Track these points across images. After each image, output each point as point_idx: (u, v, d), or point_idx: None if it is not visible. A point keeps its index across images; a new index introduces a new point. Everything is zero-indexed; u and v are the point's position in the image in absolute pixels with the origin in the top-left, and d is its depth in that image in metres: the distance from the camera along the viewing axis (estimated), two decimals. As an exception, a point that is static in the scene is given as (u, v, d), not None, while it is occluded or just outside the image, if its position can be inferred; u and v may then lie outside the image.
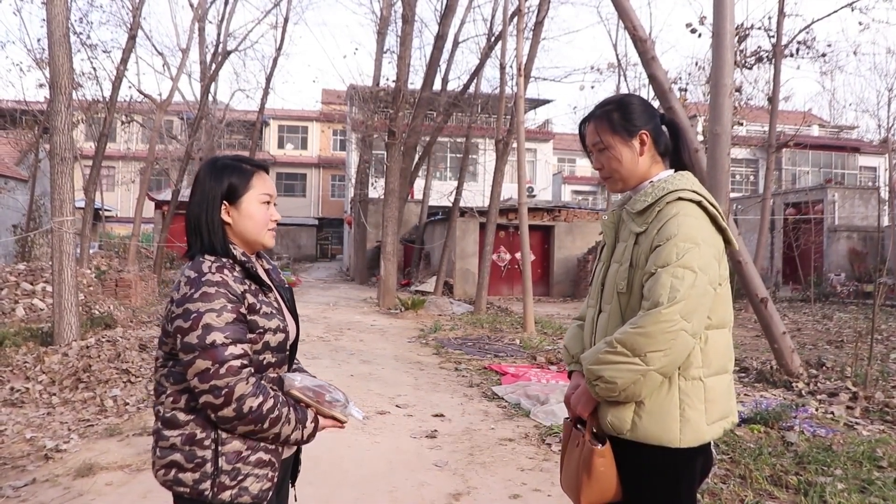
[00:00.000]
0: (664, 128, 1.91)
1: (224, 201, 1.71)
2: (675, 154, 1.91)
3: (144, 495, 3.55)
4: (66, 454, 4.25)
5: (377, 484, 3.86)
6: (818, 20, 13.79)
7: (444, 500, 3.65)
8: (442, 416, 5.46)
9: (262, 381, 1.63)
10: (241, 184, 1.72)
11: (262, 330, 1.65)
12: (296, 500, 1.99)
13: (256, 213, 1.74)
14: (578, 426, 1.92)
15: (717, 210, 1.77)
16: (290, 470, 1.93)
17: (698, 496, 3.54)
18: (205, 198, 1.70)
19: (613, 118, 1.85)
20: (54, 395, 5.63)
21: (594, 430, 1.82)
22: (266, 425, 1.59)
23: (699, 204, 1.75)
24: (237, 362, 1.56)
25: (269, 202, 1.77)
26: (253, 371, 1.60)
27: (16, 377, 5.91)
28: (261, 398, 1.58)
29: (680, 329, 1.62)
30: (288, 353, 1.77)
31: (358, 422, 1.72)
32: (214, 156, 1.83)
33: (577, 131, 2.05)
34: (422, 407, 5.76)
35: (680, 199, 1.74)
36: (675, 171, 1.88)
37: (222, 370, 1.54)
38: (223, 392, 1.54)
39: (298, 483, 1.95)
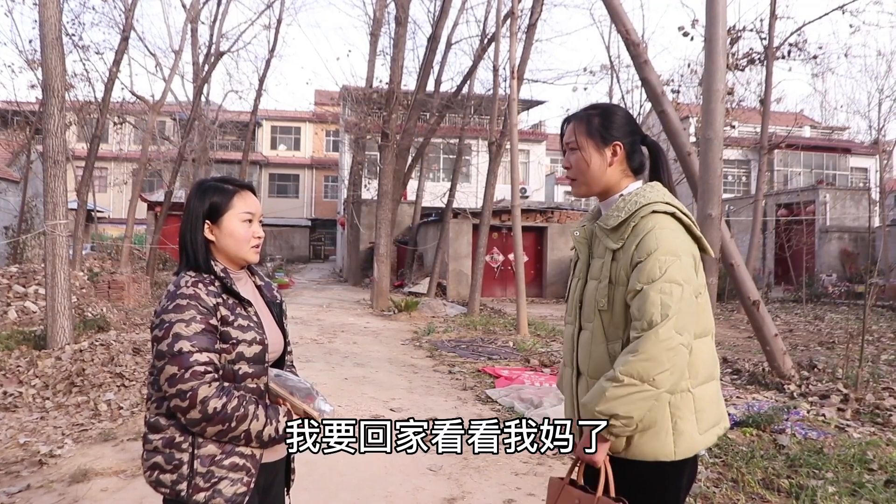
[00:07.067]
0: (644, 148, 1.91)
1: (207, 220, 1.81)
2: (655, 174, 1.91)
3: (139, 501, 3.55)
4: (61, 459, 4.24)
5: (372, 489, 3.87)
6: (809, 23, 13.94)
7: (439, 504, 3.67)
8: (436, 419, 5.46)
9: (226, 385, 1.69)
10: (223, 203, 1.82)
11: (235, 341, 1.72)
12: None
13: (237, 231, 1.82)
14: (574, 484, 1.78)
15: (690, 220, 1.78)
16: (284, 477, 1.95)
17: (691, 500, 3.58)
18: (190, 217, 1.82)
19: (593, 122, 1.86)
20: (48, 399, 5.61)
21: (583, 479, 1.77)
22: (234, 423, 1.66)
23: (673, 215, 1.76)
24: (201, 368, 1.64)
25: (250, 220, 1.85)
26: (217, 377, 1.68)
27: (9, 381, 5.88)
28: (224, 399, 1.65)
29: (678, 344, 1.62)
30: (267, 364, 1.82)
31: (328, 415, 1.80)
32: (203, 178, 1.91)
33: None
34: (416, 410, 5.77)
35: (654, 212, 1.74)
36: (644, 183, 1.87)
37: (187, 375, 1.63)
38: (188, 395, 1.62)
39: (293, 489, 1.97)
